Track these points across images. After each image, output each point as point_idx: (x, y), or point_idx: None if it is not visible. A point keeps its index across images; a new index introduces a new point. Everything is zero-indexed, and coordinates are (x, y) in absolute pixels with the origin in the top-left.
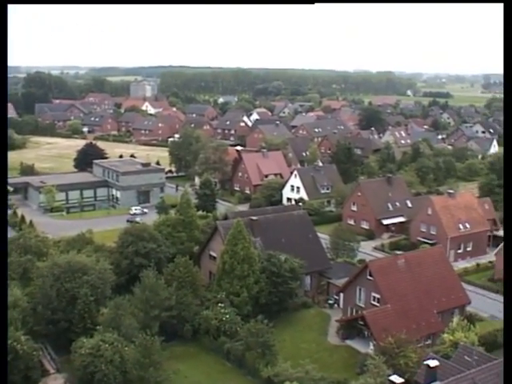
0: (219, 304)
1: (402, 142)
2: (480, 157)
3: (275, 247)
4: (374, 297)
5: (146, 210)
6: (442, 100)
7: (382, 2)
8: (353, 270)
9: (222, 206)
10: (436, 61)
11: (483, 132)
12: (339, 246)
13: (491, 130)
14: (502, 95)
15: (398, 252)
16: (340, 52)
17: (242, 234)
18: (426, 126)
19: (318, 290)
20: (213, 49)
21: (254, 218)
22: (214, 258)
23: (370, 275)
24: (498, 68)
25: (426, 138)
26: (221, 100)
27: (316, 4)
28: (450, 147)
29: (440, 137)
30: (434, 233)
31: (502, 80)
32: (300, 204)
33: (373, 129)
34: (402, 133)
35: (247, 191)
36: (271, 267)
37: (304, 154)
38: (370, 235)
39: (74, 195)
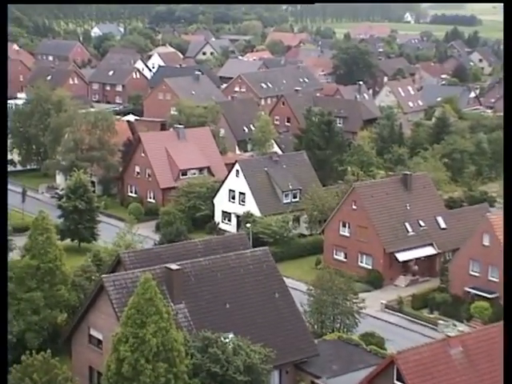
0: None
1: (411, 104)
2: None
3: (215, 322)
4: None
5: None
6: (465, 29)
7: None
8: (356, 355)
9: (109, 229)
10: None
11: None
12: (327, 309)
13: None
14: None
15: (441, 320)
16: None
17: (154, 304)
18: (444, 76)
19: None
20: None
21: (172, 266)
22: (100, 342)
23: (400, 379)
24: None
25: (450, 98)
26: (96, 31)
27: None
28: (489, 112)
29: (473, 94)
30: (495, 279)
31: None
32: (248, 225)
33: (361, 83)
34: (410, 89)
35: (151, 199)
36: (210, 365)
37: (246, 130)
38: (375, 281)
39: None
